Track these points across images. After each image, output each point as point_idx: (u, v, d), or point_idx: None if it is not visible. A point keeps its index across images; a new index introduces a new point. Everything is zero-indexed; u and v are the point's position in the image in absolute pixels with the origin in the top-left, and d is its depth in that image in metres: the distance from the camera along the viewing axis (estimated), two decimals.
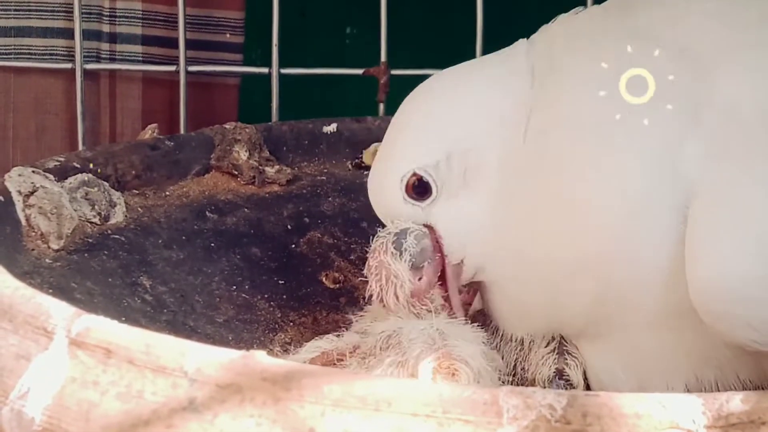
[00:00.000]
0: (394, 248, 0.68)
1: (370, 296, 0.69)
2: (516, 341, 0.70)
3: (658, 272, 0.63)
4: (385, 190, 0.70)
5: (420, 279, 0.69)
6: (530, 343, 0.70)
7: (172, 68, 1.10)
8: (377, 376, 0.58)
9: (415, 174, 0.69)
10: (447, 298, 0.70)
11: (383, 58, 1.06)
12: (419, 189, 0.69)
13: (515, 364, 0.70)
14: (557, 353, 0.69)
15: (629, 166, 0.63)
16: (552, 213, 0.65)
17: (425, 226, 0.69)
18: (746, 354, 0.63)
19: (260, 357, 0.47)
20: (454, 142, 0.68)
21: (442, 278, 0.70)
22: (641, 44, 0.66)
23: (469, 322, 0.69)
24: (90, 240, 0.75)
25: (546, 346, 0.70)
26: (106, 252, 0.75)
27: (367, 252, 0.72)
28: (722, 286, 0.60)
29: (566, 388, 0.68)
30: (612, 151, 0.64)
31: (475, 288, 0.72)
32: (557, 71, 0.67)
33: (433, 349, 0.63)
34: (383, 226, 0.71)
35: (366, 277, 0.69)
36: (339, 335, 0.69)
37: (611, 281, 0.64)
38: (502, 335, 0.70)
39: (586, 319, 0.67)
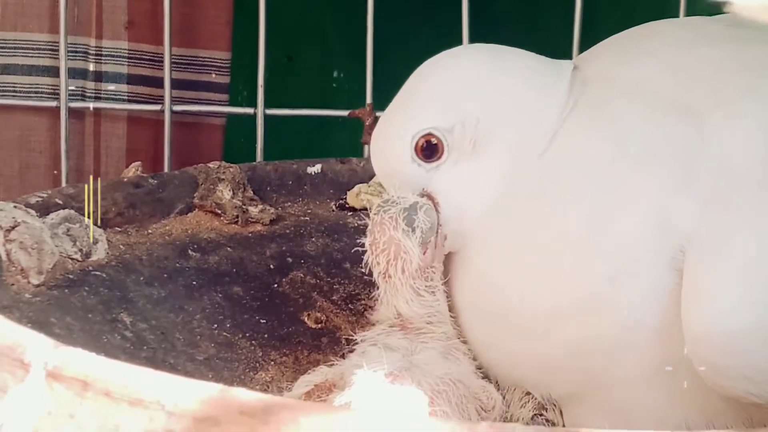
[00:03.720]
0: (406, 225, 0.67)
1: (370, 269, 0.69)
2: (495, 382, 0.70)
3: (647, 325, 0.63)
4: (392, 147, 0.69)
5: (425, 253, 0.68)
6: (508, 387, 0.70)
7: (158, 107, 1.10)
8: (355, 409, 0.58)
9: (428, 134, 0.68)
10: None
11: (369, 99, 1.07)
12: (428, 150, 0.68)
13: None
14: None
15: (622, 215, 0.64)
16: (542, 248, 0.65)
17: (425, 193, 0.69)
18: (739, 407, 0.63)
19: (238, 391, 0.47)
20: (472, 108, 0.68)
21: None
22: (638, 95, 0.66)
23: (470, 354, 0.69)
24: (70, 276, 0.74)
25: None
26: (86, 288, 0.74)
27: (351, 293, 0.72)
28: (718, 337, 0.60)
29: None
30: (606, 198, 0.64)
31: None
32: (581, 110, 0.68)
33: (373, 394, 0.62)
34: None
35: (366, 249, 0.69)
36: (332, 365, 0.69)
37: (596, 332, 0.64)
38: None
39: (571, 375, 0.66)
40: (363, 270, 0.69)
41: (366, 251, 0.69)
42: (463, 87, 0.69)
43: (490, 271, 0.67)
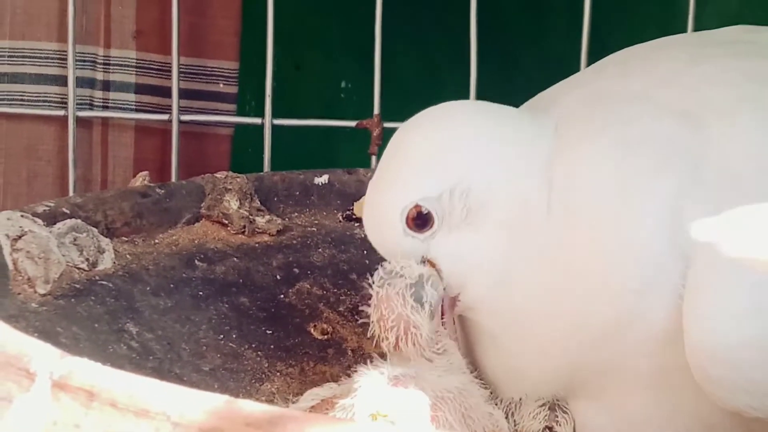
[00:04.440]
0: (414, 301, 0.66)
1: (377, 343, 0.68)
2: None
3: (656, 335, 0.63)
4: (384, 223, 0.69)
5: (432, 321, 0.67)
6: (521, 398, 0.70)
7: (165, 117, 1.10)
8: (361, 421, 0.58)
9: (416, 206, 0.67)
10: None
11: (376, 110, 1.07)
12: (419, 221, 0.67)
13: (506, 417, 0.69)
14: (548, 408, 0.69)
15: (633, 231, 0.64)
16: (558, 273, 0.65)
17: (426, 260, 0.68)
18: (737, 417, 0.63)
19: (244, 403, 0.47)
20: (459, 176, 0.67)
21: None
22: (644, 108, 0.66)
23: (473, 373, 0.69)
24: (77, 285, 0.74)
25: (536, 400, 0.69)
26: (93, 298, 0.74)
27: (357, 304, 0.72)
28: (717, 349, 0.60)
29: None
30: (617, 215, 0.64)
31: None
32: (572, 134, 0.67)
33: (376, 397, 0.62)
34: (372, 273, 0.69)
35: (371, 323, 0.67)
36: (340, 383, 0.69)
37: (611, 346, 0.64)
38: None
39: (581, 381, 0.67)
40: (370, 282, 0.69)
41: (371, 324, 0.68)
42: (447, 153, 0.68)
43: (513, 325, 0.67)
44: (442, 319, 0.69)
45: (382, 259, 0.70)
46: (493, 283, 0.67)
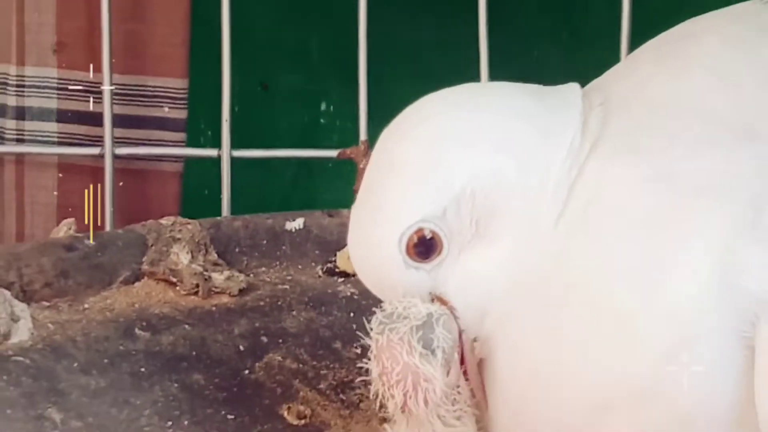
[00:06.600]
0: (423, 347, 0.66)
1: (382, 405, 0.67)
2: None
3: (712, 412, 0.64)
4: (379, 257, 0.68)
5: (449, 373, 0.67)
6: None
7: (96, 151, 1.11)
8: None
9: (418, 229, 0.67)
10: (467, 381, 0.69)
11: (363, 136, 1.08)
12: (422, 247, 0.67)
13: None
14: None
15: (673, 274, 0.64)
16: (580, 328, 0.65)
17: (435, 297, 0.68)
18: None
19: None
20: (463, 181, 0.67)
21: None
22: (684, 117, 0.67)
23: None
24: None
25: None
26: (5, 377, 0.75)
27: (342, 380, 0.72)
28: None
29: None
30: (653, 254, 0.64)
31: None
32: (607, 143, 0.67)
33: None
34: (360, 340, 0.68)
35: (372, 380, 0.67)
36: None
37: (651, 424, 0.64)
38: None
39: None
40: (357, 351, 0.69)
41: (372, 381, 0.67)
42: (443, 156, 0.68)
43: (518, 370, 0.67)
44: (463, 374, 0.69)
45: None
46: (503, 308, 0.67)
